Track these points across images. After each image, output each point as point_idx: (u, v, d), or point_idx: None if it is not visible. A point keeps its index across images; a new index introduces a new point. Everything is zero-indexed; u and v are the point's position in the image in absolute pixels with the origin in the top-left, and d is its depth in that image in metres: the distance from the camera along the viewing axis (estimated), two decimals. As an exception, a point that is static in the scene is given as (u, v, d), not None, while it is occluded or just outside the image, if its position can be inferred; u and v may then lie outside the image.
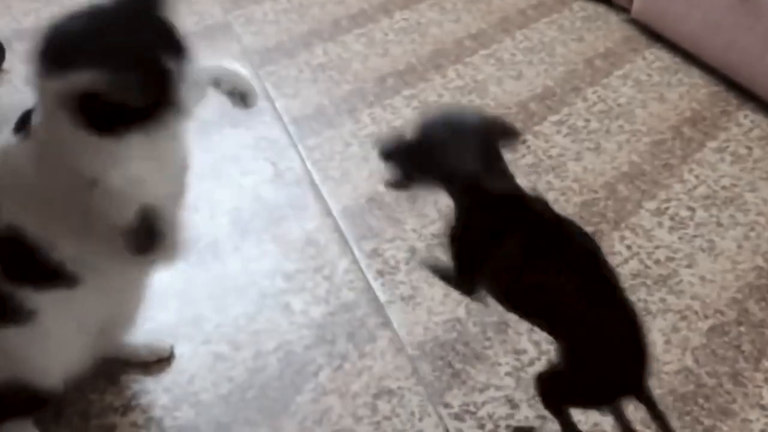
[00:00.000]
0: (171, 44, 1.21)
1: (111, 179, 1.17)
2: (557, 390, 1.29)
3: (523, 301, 1.29)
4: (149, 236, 1.24)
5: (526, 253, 1.24)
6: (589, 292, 1.22)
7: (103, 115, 1.14)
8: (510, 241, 1.24)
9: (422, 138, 1.24)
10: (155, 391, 1.54)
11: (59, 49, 1.14)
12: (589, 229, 1.92)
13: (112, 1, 1.18)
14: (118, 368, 1.58)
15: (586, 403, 1.34)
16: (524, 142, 2.21)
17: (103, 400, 1.52)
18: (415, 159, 1.24)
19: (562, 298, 1.22)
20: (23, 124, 1.21)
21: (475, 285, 1.33)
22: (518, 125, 2.29)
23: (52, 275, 1.25)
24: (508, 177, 1.23)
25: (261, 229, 1.93)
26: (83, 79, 1.10)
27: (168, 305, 1.71)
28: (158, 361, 1.60)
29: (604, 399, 1.28)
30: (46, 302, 1.27)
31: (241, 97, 1.36)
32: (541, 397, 1.31)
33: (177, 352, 1.62)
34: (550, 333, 1.29)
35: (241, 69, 1.33)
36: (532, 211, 1.27)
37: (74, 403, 1.51)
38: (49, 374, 1.34)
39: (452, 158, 1.21)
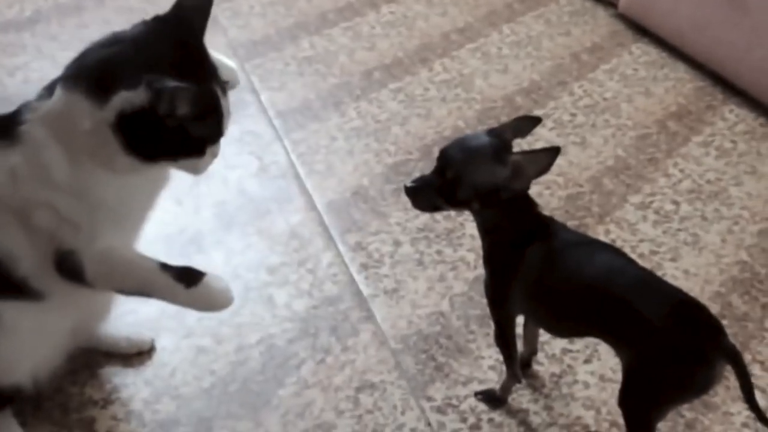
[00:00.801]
0: (212, 71, 1.21)
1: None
2: (648, 396, 1.25)
3: (566, 313, 1.30)
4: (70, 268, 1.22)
5: (548, 257, 1.28)
6: (624, 278, 1.23)
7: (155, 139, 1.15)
8: (531, 251, 1.28)
9: (440, 168, 1.28)
10: (136, 384, 1.54)
11: (105, 72, 1.14)
12: (573, 223, 1.92)
13: (143, 28, 1.19)
14: (98, 361, 1.57)
15: (683, 394, 1.27)
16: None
17: (83, 394, 1.51)
18: (438, 190, 1.28)
19: (599, 292, 1.23)
20: (2, 133, 1.19)
21: (509, 305, 1.36)
22: (504, 119, 2.29)
23: (16, 289, 1.23)
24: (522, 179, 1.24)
25: (245, 223, 1.92)
26: (134, 96, 1.10)
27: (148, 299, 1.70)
28: (139, 354, 1.59)
29: (698, 379, 1.22)
30: (9, 308, 1.25)
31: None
32: (630, 416, 1.28)
33: (159, 345, 1.61)
34: (608, 338, 1.28)
35: (226, 59, 1.32)
36: (541, 217, 1.32)
37: (53, 397, 1.50)
38: (13, 372, 1.33)
39: (469, 177, 1.24)
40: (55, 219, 1.18)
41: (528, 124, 1.30)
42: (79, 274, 1.21)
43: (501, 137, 1.27)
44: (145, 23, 1.20)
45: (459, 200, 1.27)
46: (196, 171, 1.27)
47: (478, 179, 1.24)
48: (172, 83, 1.09)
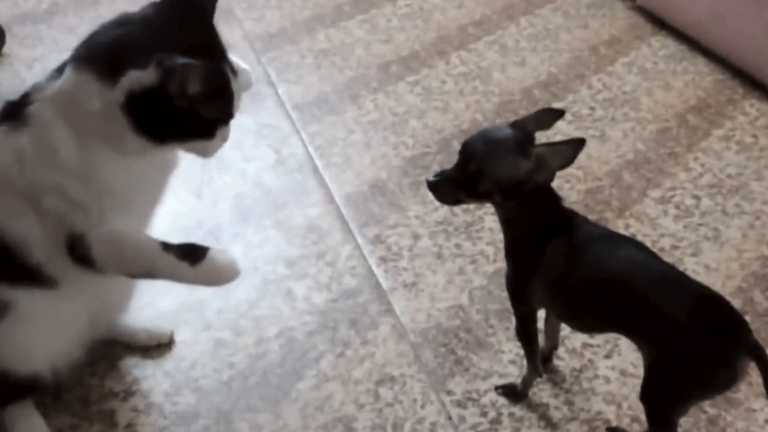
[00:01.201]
0: (223, 51, 1.21)
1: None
2: (670, 392, 1.24)
3: (588, 308, 1.29)
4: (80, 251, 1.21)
5: (570, 251, 1.27)
6: (647, 273, 1.22)
7: (162, 118, 1.14)
8: (554, 245, 1.27)
9: (462, 161, 1.26)
10: (156, 377, 1.54)
11: (115, 52, 1.13)
12: (593, 217, 1.91)
13: (153, 9, 1.18)
14: (118, 353, 1.57)
15: (705, 391, 1.26)
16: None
17: (103, 386, 1.51)
18: (460, 183, 1.26)
19: (621, 287, 1.22)
20: (10, 114, 1.19)
21: (531, 299, 1.35)
22: (522, 112, 2.27)
23: (30, 276, 1.22)
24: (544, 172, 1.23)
25: (263, 216, 1.91)
26: (144, 76, 1.09)
27: (169, 291, 1.70)
28: (158, 347, 1.59)
29: (720, 376, 1.20)
30: (24, 296, 1.25)
31: None
32: (652, 412, 1.28)
33: (178, 338, 1.61)
34: (631, 333, 1.27)
35: (240, 62, 1.32)
36: (564, 210, 1.31)
37: (73, 389, 1.50)
38: (31, 362, 1.32)
39: (491, 170, 1.23)
40: (65, 202, 1.17)
41: (551, 116, 1.29)
42: (88, 258, 1.20)
43: (524, 130, 1.25)
44: (154, 4, 1.19)
45: (481, 193, 1.26)
46: (205, 154, 1.26)
47: (501, 172, 1.23)
48: (182, 60, 1.08)
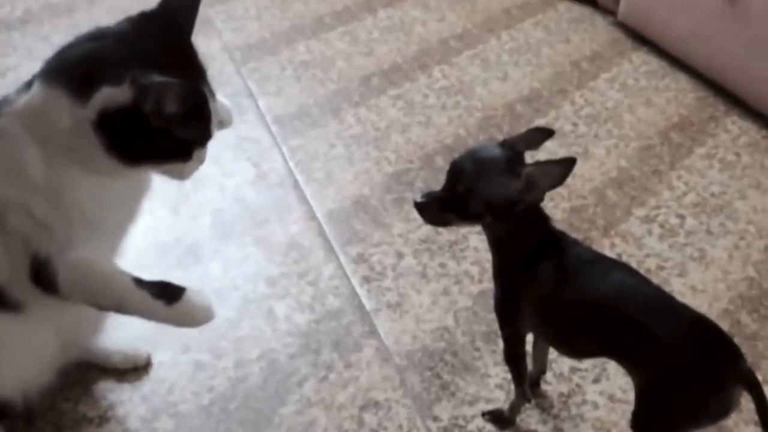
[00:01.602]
0: (201, 70, 1.16)
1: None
2: (662, 421, 1.21)
3: (578, 333, 1.26)
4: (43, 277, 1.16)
5: (560, 274, 1.24)
6: (638, 297, 1.19)
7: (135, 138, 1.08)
8: (543, 267, 1.24)
9: (451, 181, 1.23)
10: (132, 401, 1.48)
11: (87, 67, 1.08)
12: (578, 235, 1.88)
13: (129, 24, 1.14)
14: (92, 376, 1.52)
15: (698, 420, 1.20)
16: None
17: (76, 411, 1.46)
18: (449, 204, 1.23)
19: (612, 312, 1.19)
20: None
21: (520, 322, 1.32)
22: (505, 128, 2.25)
23: None
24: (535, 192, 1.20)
25: (243, 232, 1.87)
26: (117, 93, 1.04)
27: (146, 311, 1.64)
28: (135, 370, 1.53)
29: (714, 405, 1.17)
30: None
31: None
32: None
33: (156, 360, 1.56)
34: (621, 359, 1.24)
35: (224, 100, 1.29)
36: (553, 231, 1.28)
37: (46, 414, 1.45)
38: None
39: (481, 190, 1.20)
40: (31, 222, 1.12)
41: (540, 135, 1.26)
42: (53, 284, 1.14)
43: (513, 149, 1.22)
44: (130, 19, 1.14)
45: (471, 214, 1.23)
46: (181, 176, 1.20)
47: (491, 192, 1.20)
48: (158, 78, 1.03)
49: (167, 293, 1.18)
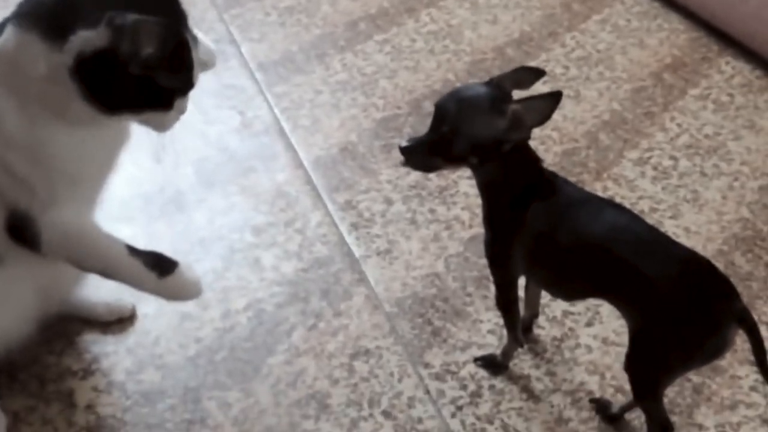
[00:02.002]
0: (182, 15, 1.11)
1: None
2: (656, 362, 1.19)
3: (571, 274, 1.23)
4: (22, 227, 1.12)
5: (551, 215, 1.20)
6: (630, 237, 1.16)
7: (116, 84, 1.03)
8: (534, 209, 1.21)
9: (435, 123, 1.19)
10: (117, 353, 1.45)
11: (62, 10, 1.02)
12: (571, 179, 1.85)
13: None
14: (76, 329, 1.49)
15: (693, 360, 1.20)
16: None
17: (60, 364, 1.43)
18: (433, 147, 1.19)
19: (604, 252, 1.16)
20: None
21: (511, 265, 1.29)
22: (495, 72, 2.20)
23: None
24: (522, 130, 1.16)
25: (228, 181, 1.82)
26: (94, 36, 0.98)
27: (130, 262, 1.61)
28: (119, 321, 1.50)
29: (708, 344, 1.15)
30: None
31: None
32: (636, 382, 1.23)
33: (141, 311, 1.53)
34: (614, 300, 1.21)
35: (207, 40, 1.23)
36: (544, 172, 1.24)
37: (29, 367, 1.42)
38: None
39: (465, 130, 1.16)
40: (6, 177, 1.08)
41: (529, 75, 1.21)
42: (34, 241, 1.11)
43: (499, 87, 1.18)
44: None
45: (456, 155, 1.19)
46: (161, 127, 1.16)
47: (476, 131, 1.16)
48: (134, 17, 0.97)
49: (161, 265, 1.18)
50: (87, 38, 0.99)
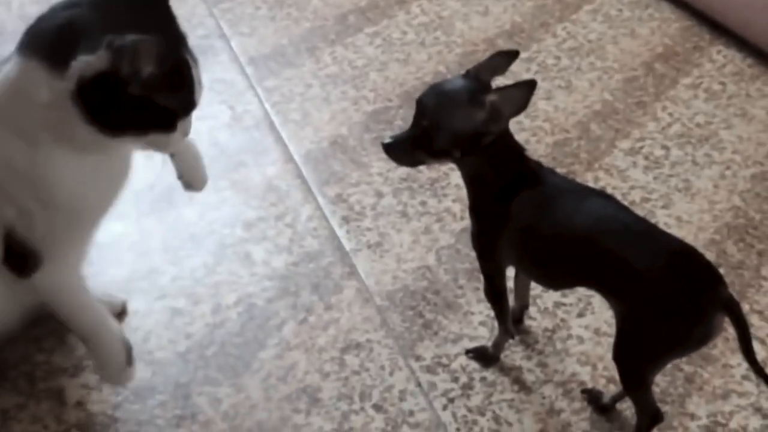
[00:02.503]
0: (181, 36, 1.11)
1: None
2: (643, 350, 1.19)
3: (558, 264, 1.22)
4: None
5: (537, 206, 1.20)
6: (617, 226, 1.16)
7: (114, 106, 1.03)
8: (520, 200, 1.21)
9: (416, 118, 1.19)
10: (108, 350, 1.45)
11: (63, 37, 1.02)
12: (562, 170, 1.85)
13: None
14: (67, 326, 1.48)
15: (679, 348, 1.20)
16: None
17: (50, 361, 1.42)
18: (415, 142, 1.19)
19: (591, 241, 1.16)
20: None
21: (499, 257, 1.28)
22: (486, 63, 2.19)
23: None
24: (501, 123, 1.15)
25: (219, 176, 1.82)
26: (94, 60, 0.98)
27: (121, 258, 1.61)
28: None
29: (694, 332, 1.15)
30: None
31: (186, 184, 1.38)
32: (624, 371, 1.23)
33: (131, 307, 1.52)
34: (601, 289, 1.21)
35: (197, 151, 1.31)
36: (528, 163, 1.23)
37: (19, 365, 1.41)
38: None
39: (445, 124, 1.16)
40: (11, 206, 1.09)
41: (505, 59, 1.20)
42: (24, 274, 1.16)
43: (478, 78, 1.17)
44: None
45: (437, 149, 1.18)
46: (164, 148, 1.16)
47: (455, 125, 1.15)
48: (132, 37, 0.97)
49: (130, 355, 1.31)
50: (87, 62, 0.99)
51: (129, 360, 1.30)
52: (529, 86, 1.11)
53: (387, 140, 1.21)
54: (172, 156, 1.34)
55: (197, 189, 1.40)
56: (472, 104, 1.14)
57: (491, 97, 1.13)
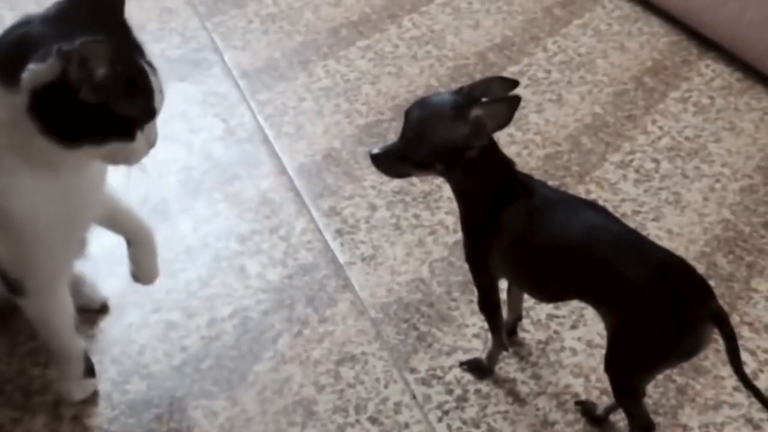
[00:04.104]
0: (137, 45, 1.09)
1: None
2: (632, 361, 1.20)
3: (549, 275, 1.23)
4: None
5: (528, 217, 1.21)
6: (607, 237, 1.17)
7: (67, 116, 1.01)
8: (510, 212, 1.22)
9: (402, 130, 1.20)
10: (102, 363, 1.45)
11: (14, 52, 1.01)
12: (553, 183, 1.86)
13: (56, 6, 1.06)
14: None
15: (669, 359, 1.20)
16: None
17: (45, 375, 1.42)
18: (401, 154, 1.20)
19: (581, 253, 1.17)
20: None
21: (491, 269, 1.29)
22: (477, 77, 2.21)
23: None
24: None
25: (212, 189, 1.83)
26: (44, 69, 0.97)
27: (115, 272, 1.61)
28: (88, 312, 1.52)
29: (683, 343, 1.16)
30: None
31: (133, 276, 1.41)
32: (615, 382, 1.24)
33: (125, 320, 1.53)
34: (592, 300, 1.22)
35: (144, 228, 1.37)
36: (518, 175, 1.25)
37: (14, 379, 1.41)
38: None
39: (427, 136, 1.17)
40: None
41: (501, 86, 1.20)
42: (16, 295, 1.21)
43: (468, 95, 1.19)
44: (58, 2, 1.07)
45: (420, 161, 1.19)
46: (128, 160, 1.11)
47: (437, 137, 1.16)
48: (81, 39, 0.95)
49: (91, 368, 1.40)
50: (37, 72, 0.97)
51: (89, 372, 1.38)
52: (513, 102, 1.13)
53: (375, 151, 1.22)
54: (129, 245, 1.36)
55: (145, 283, 1.41)
56: (456, 118, 1.15)
57: (475, 111, 1.14)
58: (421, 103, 1.19)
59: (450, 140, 1.16)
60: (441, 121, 1.16)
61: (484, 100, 1.15)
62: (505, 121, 1.14)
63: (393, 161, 1.21)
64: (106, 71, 0.98)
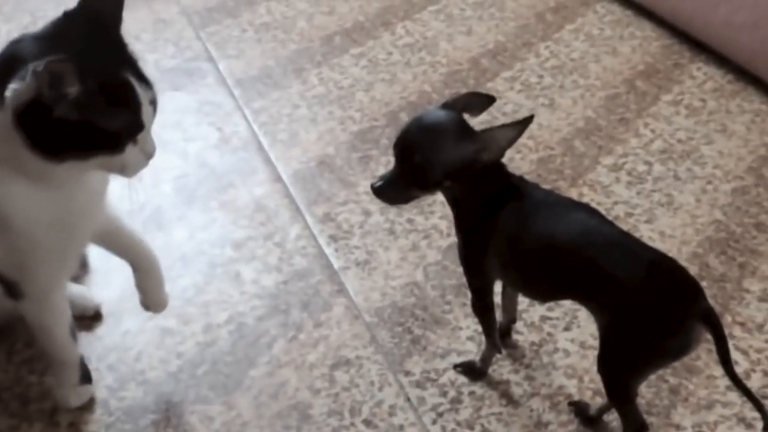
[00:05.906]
0: (128, 59, 1.09)
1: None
2: (624, 361, 1.21)
3: (542, 276, 1.24)
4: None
5: (522, 218, 1.22)
6: (598, 238, 1.18)
7: (48, 130, 1.02)
8: (504, 214, 1.23)
9: (403, 156, 1.19)
10: (99, 371, 1.46)
11: (3, 69, 1.02)
12: (547, 186, 1.87)
13: (49, 24, 1.07)
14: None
15: (660, 359, 1.21)
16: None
17: (42, 383, 1.43)
18: (407, 180, 1.20)
19: (573, 253, 1.18)
20: None
21: (486, 271, 1.30)
22: (471, 82, 2.23)
23: None
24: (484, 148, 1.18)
25: (207, 197, 1.84)
26: (22, 88, 0.98)
27: (111, 279, 1.62)
28: (81, 319, 1.52)
29: (674, 343, 1.17)
30: None
31: (143, 305, 1.43)
32: (608, 382, 1.25)
33: (122, 327, 1.54)
34: (585, 300, 1.23)
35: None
36: (511, 178, 1.26)
37: (11, 387, 1.42)
38: None
39: (437, 159, 1.17)
40: None
41: (480, 102, 1.23)
42: (14, 298, 1.22)
43: (457, 110, 1.20)
44: (53, 21, 1.08)
45: (432, 184, 1.20)
46: (123, 172, 1.11)
47: (449, 158, 1.17)
48: (48, 59, 0.95)
49: (87, 375, 1.41)
50: (18, 92, 0.98)
51: (85, 379, 1.40)
52: (524, 124, 1.15)
53: (377, 183, 1.21)
54: (134, 271, 1.38)
55: (155, 311, 1.44)
56: (463, 136, 1.17)
57: (485, 134, 1.16)
58: (421, 126, 1.18)
59: (460, 158, 1.17)
60: (450, 141, 1.17)
61: (499, 125, 1.17)
62: (514, 139, 1.16)
63: (400, 189, 1.21)
64: (78, 88, 0.98)
